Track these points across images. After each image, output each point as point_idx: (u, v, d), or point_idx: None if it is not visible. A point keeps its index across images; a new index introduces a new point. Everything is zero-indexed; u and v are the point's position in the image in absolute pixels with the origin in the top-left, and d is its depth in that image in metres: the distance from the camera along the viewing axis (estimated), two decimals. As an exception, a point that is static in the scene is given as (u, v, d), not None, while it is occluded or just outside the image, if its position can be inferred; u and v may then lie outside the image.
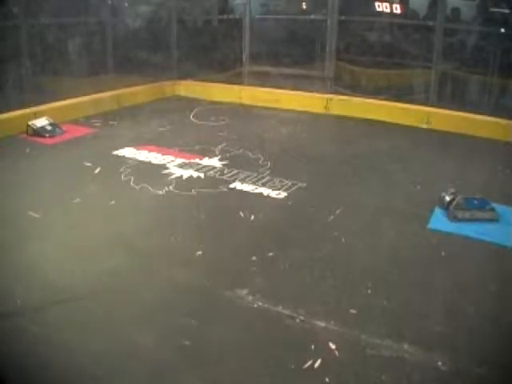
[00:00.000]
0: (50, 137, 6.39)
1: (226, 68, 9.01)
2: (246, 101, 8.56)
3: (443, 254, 3.92)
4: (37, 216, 4.31)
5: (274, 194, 4.94)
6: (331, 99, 8.06)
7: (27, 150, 5.94)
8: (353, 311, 3.20)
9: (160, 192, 4.90)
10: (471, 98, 7.45)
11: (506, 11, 7.10)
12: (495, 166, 5.80)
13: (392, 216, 4.52)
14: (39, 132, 6.39)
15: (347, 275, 3.60)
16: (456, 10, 7.47)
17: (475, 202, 4.51)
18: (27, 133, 6.41)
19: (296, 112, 8.03)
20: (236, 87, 8.78)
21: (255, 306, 3.24)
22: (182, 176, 5.31)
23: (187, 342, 2.89)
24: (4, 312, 3.06)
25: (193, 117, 7.65)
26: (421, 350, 2.85)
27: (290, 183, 5.17)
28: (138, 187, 4.98)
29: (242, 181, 5.22)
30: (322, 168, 5.73)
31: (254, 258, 3.77)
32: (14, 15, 6.59)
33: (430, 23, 7.39)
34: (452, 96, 7.54)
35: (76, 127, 6.90)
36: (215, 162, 5.76)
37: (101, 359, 2.75)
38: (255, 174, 5.39)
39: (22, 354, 2.70)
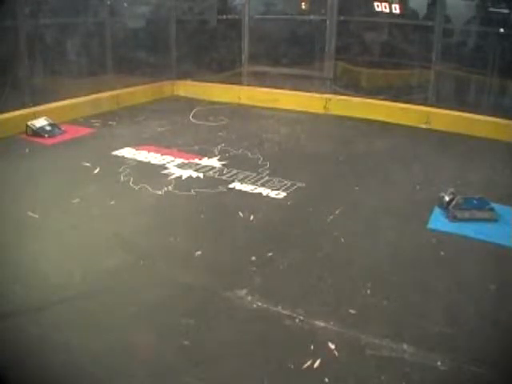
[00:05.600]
0: (49, 137, 6.38)
1: (225, 68, 9.01)
2: (245, 101, 8.56)
3: (442, 253, 3.93)
4: (36, 216, 4.31)
5: (273, 194, 4.94)
6: (330, 99, 8.06)
7: (26, 151, 5.93)
8: (352, 311, 3.20)
9: (159, 192, 4.90)
10: (470, 97, 7.45)
11: (505, 11, 7.11)
12: (495, 166, 5.81)
13: (391, 216, 4.53)
14: (38, 132, 6.38)
15: (346, 275, 3.61)
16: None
17: (474, 201, 4.52)
18: (26, 133, 6.41)
19: (295, 112, 8.03)
20: (235, 87, 8.77)
21: (254, 306, 3.24)
22: (181, 176, 5.32)
23: (187, 342, 2.89)
24: (4, 312, 3.06)
25: (192, 117, 7.65)
26: (420, 350, 2.86)
27: (289, 183, 5.17)
28: (137, 187, 4.98)
29: (242, 181, 5.22)
30: (322, 168, 5.73)
31: (253, 258, 3.77)
32: (13, 15, 6.58)
33: (429, 23, 7.40)
34: (451, 96, 7.54)
35: (75, 127, 6.89)
36: (214, 162, 5.76)
37: (100, 359, 2.75)
38: (254, 174, 5.40)
39: (22, 354, 2.70)
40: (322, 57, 8.21)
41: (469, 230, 4.28)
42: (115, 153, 5.94)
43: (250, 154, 6.02)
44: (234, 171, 5.47)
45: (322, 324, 3.07)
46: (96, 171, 5.35)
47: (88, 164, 5.52)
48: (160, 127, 7.08)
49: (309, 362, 2.75)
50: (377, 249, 3.98)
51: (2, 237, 3.95)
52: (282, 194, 4.93)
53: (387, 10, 7.66)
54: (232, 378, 2.68)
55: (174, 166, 5.59)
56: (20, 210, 4.38)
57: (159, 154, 5.93)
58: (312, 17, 8.45)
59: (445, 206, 4.54)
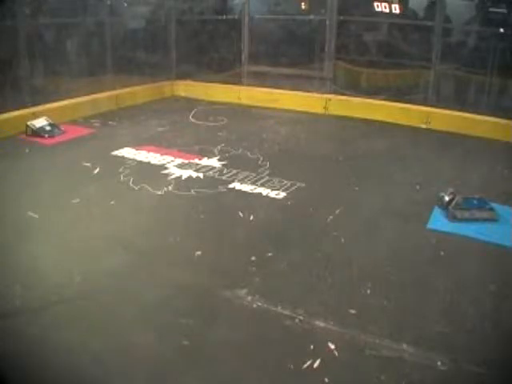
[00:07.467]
0: (49, 137, 6.38)
1: (225, 68, 9.01)
2: (245, 101, 8.56)
3: (442, 253, 3.93)
4: (36, 216, 4.30)
5: (273, 194, 4.94)
6: (330, 99, 8.06)
7: (26, 151, 5.93)
8: (352, 311, 3.20)
9: (159, 192, 4.90)
10: (470, 98, 7.46)
11: (505, 11, 7.11)
12: (495, 166, 5.81)
13: (391, 216, 4.53)
14: (38, 132, 6.38)
15: (346, 275, 3.61)
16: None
17: (474, 201, 4.52)
18: (26, 133, 6.40)
19: (295, 112, 8.03)
20: (235, 87, 8.77)
21: (254, 306, 3.24)
22: (181, 176, 5.31)
23: (187, 342, 2.89)
24: (4, 312, 3.06)
25: (192, 117, 7.65)
26: (420, 350, 2.86)
27: (289, 183, 5.17)
28: (137, 187, 4.98)
29: (241, 181, 5.22)
30: (321, 168, 5.73)
31: (253, 258, 3.77)
32: (13, 15, 6.58)
33: (429, 23, 7.40)
34: (451, 96, 7.54)
35: (75, 127, 6.89)
36: (214, 162, 5.76)
37: (100, 359, 2.75)
38: (254, 174, 5.39)
39: (22, 354, 2.70)
40: (321, 57, 8.21)
41: (469, 230, 4.28)
42: (115, 153, 5.94)
43: (249, 154, 6.02)
44: (234, 171, 5.47)
45: (321, 324, 3.07)
46: (96, 171, 5.35)
47: (88, 164, 5.51)
48: (160, 127, 7.08)
49: (309, 362, 2.75)
50: (377, 249, 3.98)
51: (2, 237, 3.95)
52: (282, 194, 4.93)
53: (387, 10, 7.66)
54: (232, 378, 2.68)
55: (173, 166, 5.59)
56: (20, 210, 4.38)
57: (159, 154, 5.92)
58: (312, 17, 8.46)
59: (445, 206, 4.54)
